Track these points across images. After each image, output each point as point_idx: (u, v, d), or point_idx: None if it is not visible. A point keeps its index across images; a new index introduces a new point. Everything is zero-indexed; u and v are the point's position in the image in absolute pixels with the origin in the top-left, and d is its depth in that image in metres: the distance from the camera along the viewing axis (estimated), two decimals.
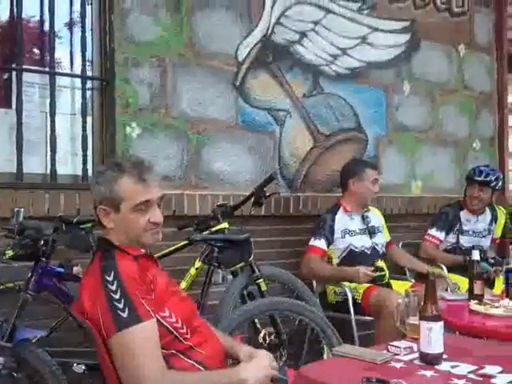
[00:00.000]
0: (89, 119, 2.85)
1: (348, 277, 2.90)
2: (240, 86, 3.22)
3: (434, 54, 4.14)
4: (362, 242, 3.06)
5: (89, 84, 2.89)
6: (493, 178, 3.44)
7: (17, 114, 2.63)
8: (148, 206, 1.57)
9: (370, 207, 3.23)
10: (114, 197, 1.57)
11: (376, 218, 3.25)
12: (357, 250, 3.03)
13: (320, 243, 3.00)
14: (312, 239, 3.03)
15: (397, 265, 3.37)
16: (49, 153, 2.71)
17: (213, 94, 3.11)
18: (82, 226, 2.35)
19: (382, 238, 3.21)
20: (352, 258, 2.99)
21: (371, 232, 3.13)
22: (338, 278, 2.97)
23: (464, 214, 3.50)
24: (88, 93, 2.88)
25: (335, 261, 3.06)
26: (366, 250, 3.06)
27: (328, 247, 3.02)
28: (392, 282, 3.14)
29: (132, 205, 1.56)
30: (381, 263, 3.11)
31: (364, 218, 3.14)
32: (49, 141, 2.71)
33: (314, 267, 2.98)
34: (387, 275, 3.11)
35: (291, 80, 3.42)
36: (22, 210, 2.14)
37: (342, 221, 3.07)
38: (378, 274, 2.99)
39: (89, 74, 2.88)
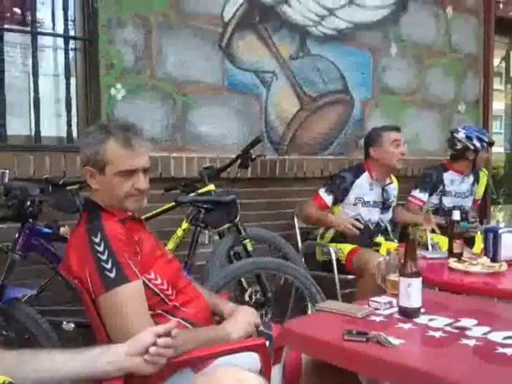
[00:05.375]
0: (72, 80, 2.81)
1: (331, 225, 2.97)
2: (226, 47, 3.18)
3: (421, 15, 4.11)
4: (370, 215, 3.05)
5: (72, 44, 2.83)
6: None
7: None
8: (133, 172, 1.57)
9: (393, 177, 3.19)
10: (100, 159, 1.56)
11: (394, 190, 3.20)
12: (362, 221, 3.02)
13: (327, 198, 3.00)
14: (323, 190, 3.02)
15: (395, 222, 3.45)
16: (32, 114, 2.68)
17: (198, 56, 3.07)
18: (68, 188, 2.34)
19: (390, 215, 3.20)
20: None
21: (384, 208, 3.11)
22: (322, 223, 3.03)
23: (448, 176, 3.55)
24: (71, 53, 2.82)
25: None
26: (370, 224, 3.07)
27: (333, 205, 3.02)
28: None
29: (116, 170, 1.56)
30: (380, 239, 3.13)
31: (383, 192, 3.10)
32: (32, 102, 2.68)
33: (305, 209, 3.04)
34: (383, 250, 3.05)
35: (278, 41, 3.38)
36: (8, 171, 2.13)
37: (361, 187, 3.02)
38: (360, 231, 2.97)
39: (71, 33, 2.82)
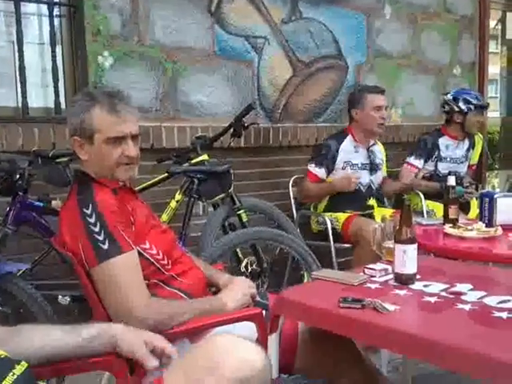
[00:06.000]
0: (58, 49, 2.73)
1: (338, 188, 2.96)
2: (216, 11, 3.09)
3: None
4: (360, 178, 3.04)
5: (56, 11, 2.74)
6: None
7: None
8: (121, 139, 1.54)
9: (377, 141, 3.20)
10: (87, 128, 1.53)
11: (380, 153, 3.22)
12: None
13: (320, 172, 3.01)
14: (312, 165, 3.02)
15: (385, 195, 3.42)
16: (19, 85, 2.61)
17: (187, 21, 2.99)
18: (58, 160, 2.31)
19: (380, 176, 3.21)
20: (346, 192, 2.96)
21: (372, 169, 3.12)
22: (328, 192, 3.03)
23: (443, 141, 3.51)
24: (56, 20, 2.74)
25: None
26: (361, 187, 3.07)
27: (327, 176, 3.02)
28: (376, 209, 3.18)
29: (104, 137, 1.52)
30: (372, 201, 3.14)
31: (369, 153, 3.11)
32: (18, 72, 2.61)
33: (303, 188, 3.07)
34: (375, 213, 3.11)
35: (269, 4, 3.29)
36: None
37: (346, 151, 3.03)
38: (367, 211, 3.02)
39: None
